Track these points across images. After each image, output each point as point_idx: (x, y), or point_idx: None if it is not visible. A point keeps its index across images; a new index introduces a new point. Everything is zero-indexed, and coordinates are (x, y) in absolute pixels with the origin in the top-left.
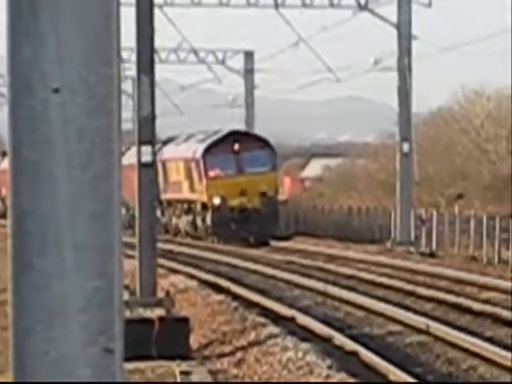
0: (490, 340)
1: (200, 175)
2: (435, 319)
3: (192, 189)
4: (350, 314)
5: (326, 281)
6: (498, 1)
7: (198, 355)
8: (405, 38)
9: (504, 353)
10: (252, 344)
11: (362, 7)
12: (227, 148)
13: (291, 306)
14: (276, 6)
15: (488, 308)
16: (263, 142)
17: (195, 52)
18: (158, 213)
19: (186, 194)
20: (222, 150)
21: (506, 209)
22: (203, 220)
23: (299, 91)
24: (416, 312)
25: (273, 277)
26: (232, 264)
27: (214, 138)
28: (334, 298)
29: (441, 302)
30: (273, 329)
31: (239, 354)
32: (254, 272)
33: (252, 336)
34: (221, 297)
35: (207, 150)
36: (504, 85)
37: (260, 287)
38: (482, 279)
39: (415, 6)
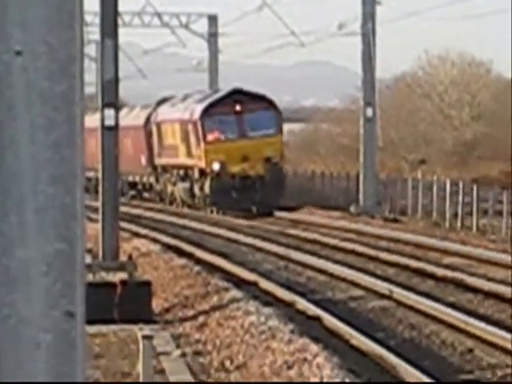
0: (453, 305)
1: (198, 138)
2: (398, 284)
3: (189, 153)
4: (312, 279)
5: (289, 246)
6: None
7: (160, 319)
8: (369, 3)
9: (466, 318)
10: (214, 308)
11: None
12: (228, 108)
13: (253, 270)
14: None
15: (450, 273)
16: (268, 102)
17: (159, 15)
18: (152, 179)
19: (182, 159)
20: (222, 111)
21: (468, 174)
22: (201, 188)
23: (265, 55)
24: (379, 277)
25: (235, 241)
26: (196, 228)
27: (214, 97)
28: (296, 262)
29: (404, 267)
30: (235, 293)
31: (201, 318)
32: (217, 236)
33: (214, 300)
34: (183, 261)
35: (206, 111)
36: (467, 50)
37: (223, 251)
38: (445, 244)
39: None
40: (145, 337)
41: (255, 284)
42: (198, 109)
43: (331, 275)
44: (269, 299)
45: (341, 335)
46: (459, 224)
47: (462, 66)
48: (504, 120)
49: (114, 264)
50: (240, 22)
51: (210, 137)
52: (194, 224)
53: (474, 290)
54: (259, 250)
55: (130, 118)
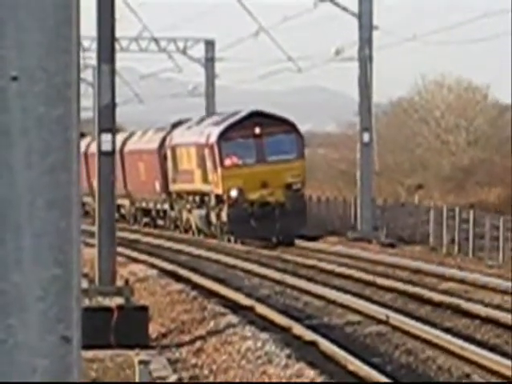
0: (449, 331)
1: (214, 163)
2: (395, 309)
3: (205, 179)
4: (309, 304)
5: (285, 271)
6: None
7: (157, 344)
8: (366, 28)
9: (462, 343)
10: (211, 333)
11: None
12: (246, 132)
13: (250, 295)
14: None
15: (447, 299)
16: (289, 125)
17: (156, 41)
18: (166, 206)
19: (198, 184)
20: (240, 134)
21: (465, 199)
22: (218, 216)
23: (261, 81)
24: (376, 302)
25: (233, 266)
26: (193, 253)
27: (231, 120)
28: (293, 287)
29: (400, 293)
30: (232, 318)
31: (198, 343)
32: (214, 261)
33: (211, 325)
34: (180, 286)
35: (223, 134)
36: (464, 75)
37: (220, 277)
38: (442, 270)
39: None
40: (141, 362)
41: (252, 309)
42: (215, 132)
43: (328, 300)
44: (265, 324)
45: (337, 360)
46: (456, 249)
47: (459, 91)
48: (501, 145)
49: (110, 289)
50: (237, 48)
51: (227, 161)
52: (191, 249)
53: (471, 316)
54: (256, 275)
55: (144, 141)
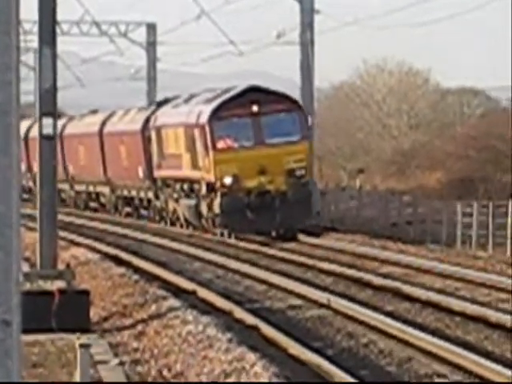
0: (390, 314)
1: (206, 146)
2: (336, 293)
3: (195, 164)
4: (250, 288)
5: (228, 255)
6: None
7: (98, 328)
8: (307, 12)
9: (403, 327)
10: (152, 317)
11: None
12: (242, 110)
13: (192, 279)
14: None
15: (388, 282)
16: (291, 102)
17: (97, 24)
18: (151, 194)
19: (186, 171)
20: (235, 113)
21: (406, 184)
22: (209, 206)
23: (203, 64)
24: (317, 286)
25: (176, 251)
26: (136, 238)
27: (225, 96)
28: (235, 271)
29: (342, 277)
30: (174, 302)
31: (140, 327)
32: (158, 246)
33: (153, 309)
34: (122, 270)
35: (215, 113)
36: (405, 59)
37: (162, 260)
38: (383, 254)
39: None
40: (82, 346)
41: (193, 293)
42: (206, 111)
43: (270, 284)
44: (207, 308)
45: (278, 344)
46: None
47: (400, 75)
48: (441, 129)
49: (51, 272)
50: (179, 31)
51: (220, 144)
52: (135, 234)
53: (412, 299)
54: (198, 259)
55: (125, 122)
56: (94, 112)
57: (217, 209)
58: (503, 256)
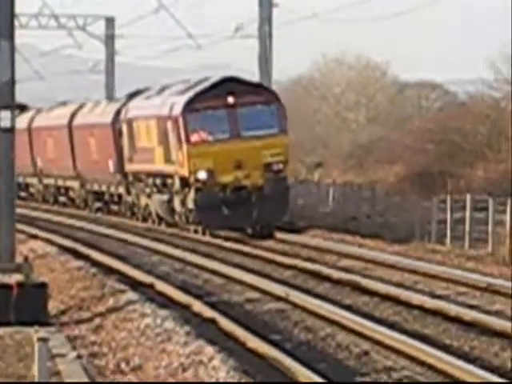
0: (349, 308)
1: (179, 139)
2: (294, 287)
3: (168, 158)
4: (208, 282)
5: (185, 248)
6: None
7: (56, 321)
8: (265, 6)
9: (362, 321)
10: (110, 310)
11: None
12: (218, 102)
13: (150, 272)
14: None
15: (346, 276)
16: (268, 94)
17: (56, 18)
18: (122, 189)
19: (159, 165)
20: (210, 105)
21: (364, 177)
22: (183, 202)
23: (162, 58)
24: (275, 280)
25: (133, 243)
26: (93, 230)
27: (199, 87)
28: (193, 265)
29: (300, 270)
30: (131, 295)
31: (97, 320)
32: (115, 239)
33: (110, 302)
34: (80, 263)
35: (189, 105)
36: (364, 53)
37: (120, 254)
38: (341, 247)
39: None
40: (40, 339)
41: (151, 286)
42: (180, 102)
43: (227, 278)
44: (165, 302)
45: (237, 337)
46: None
47: (359, 68)
48: (399, 122)
49: (9, 266)
50: (137, 24)
51: (194, 137)
52: (91, 226)
53: (370, 293)
54: (156, 252)
55: (95, 114)
56: (63, 104)
57: (191, 204)
58: (461, 250)
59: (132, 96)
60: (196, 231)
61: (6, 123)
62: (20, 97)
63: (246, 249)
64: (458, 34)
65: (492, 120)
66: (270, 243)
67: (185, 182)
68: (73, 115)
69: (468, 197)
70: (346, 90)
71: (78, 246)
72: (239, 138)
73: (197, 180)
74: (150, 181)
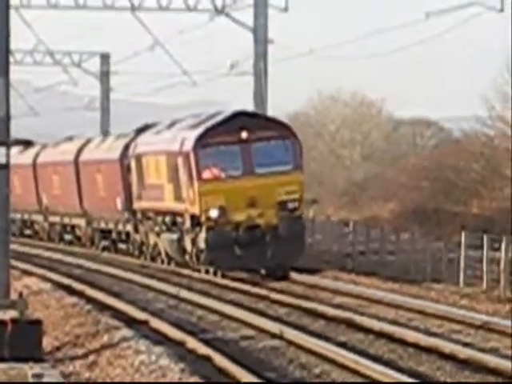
0: (343, 345)
1: (190, 176)
2: (289, 324)
3: (178, 196)
4: (203, 318)
5: (180, 285)
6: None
7: (50, 357)
8: (261, 42)
9: (357, 358)
10: (105, 347)
11: (219, 11)
12: (230, 137)
13: (144, 309)
14: (132, 8)
15: (341, 313)
16: (283, 129)
17: (51, 54)
18: (130, 227)
19: (169, 202)
20: (222, 140)
21: (359, 214)
22: (193, 241)
23: (157, 94)
24: (270, 317)
25: (128, 280)
26: (88, 267)
27: (212, 122)
28: (187, 302)
29: (295, 307)
30: (126, 332)
31: (92, 357)
32: (110, 275)
33: (105, 339)
34: (74, 299)
35: (201, 140)
36: (359, 90)
37: (115, 290)
38: (336, 284)
39: (272, 10)
40: (34, 375)
41: (146, 323)
42: (191, 137)
43: (222, 315)
44: (159, 338)
45: (231, 375)
46: (350, 264)
47: (354, 105)
48: (394, 160)
49: (4, 302)
50: (132, 61)
51: (206, 174)
52: (87, 263)
53: (365, 330)
54: (151, 289)
55: (102, 149)
56: (70, 139)
57: (202, 244)
58: (456, 287)
59: (141, 131)
60: (207, 272)
61: (2, 159)
62: (15, 133)
63: (241, 286)
64: (453, 71)
65: (486, 157)
66: (263, 280)
67: (196, 221)
68: (79, 151)
69: (463, 235)
70: (341, 127)
71: (73, 283)
72: (252, 174)
73: (208, 218)
74: (160, 219)
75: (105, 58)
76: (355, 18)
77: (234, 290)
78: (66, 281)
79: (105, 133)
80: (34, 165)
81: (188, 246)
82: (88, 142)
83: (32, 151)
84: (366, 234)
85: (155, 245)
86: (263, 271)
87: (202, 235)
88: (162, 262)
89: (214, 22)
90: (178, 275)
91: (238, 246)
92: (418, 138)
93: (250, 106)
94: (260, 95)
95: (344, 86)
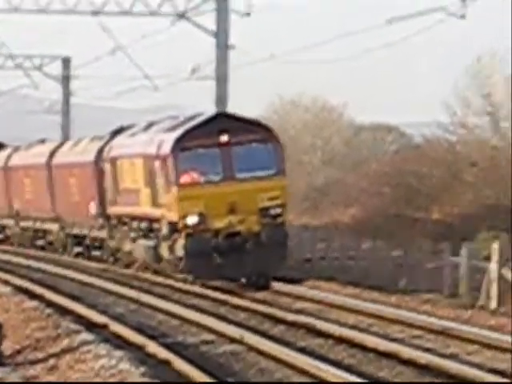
0: (303, 350)
1: (168, 180)
2: (249, 329)
3: (155, 201)
4: (164, 323)
5: (141, 289)
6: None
7: (10, 361)
8: (222, 47)
9: (316, 363)
10: (65, 351)
11: (181, 15)
12: (210, 140)
13: (105, 313)
14: (94, 12)
15: (301, 318)
16: (265, 131)
17: (12, 57)
18: (104, 233)
19: (145, 208)
20: (201, 143)
21: (320, 220)
22: (171, 248)
23: (118, 98)
24: (230, 321)
25: (88, 284)
26: (48, 271)
27: (191, 124)
28: (148, 306)
29: (255, 312)
30: (86, 336)
31: (52, 361)
32: (70, 279)
33: (65, 343)
34: (35, 303)
35: (179, 143)
36: (320, 95)
37: (75, 294)
38: (296, 289)
39: (234, 15)
40: None
41: (106, 327)
42: (169, 139)
43: (183, 319)
44: (120, 342)
45: (192, 379)
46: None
47: (315, 110)
48: (355, 165)
49: None
50: (94, 65)
51: (184, 178)
52: (47, 267)
53: (325, 335)
54: (111, 293)
55: (76, 152)
56: (42, 142)
57: (180, 251)
58: (417, 293)
59: (116, 133)
60: (185, 281)
61: None
62: None
63: (203, 291)
64: (415, 77)
65: (448, 163)
66: (224, 285)
67: (173, 227)
68: (52, 153)
69: (426, 242)
70: (302, 133)
71: (33, 286)
72: (233, 179)
73: (186, 225)
74: (135, 225)
75: (66, 61)
76: (319, 23)
77: (194, 294)
78: (26, 284)
79: (65, 137)
80: (5, 168)
81: (165, 253)
82: (61, 144)
83: (3, 154)
84: (326, 239)
85: (130, 252)
86: (243, 280)
87: (180, 242)
88: (137, 269)
89: (175, 26)
90: (138, 279)
91: (217, 254)
92: (379, 143)
93: (211, 111)
94: (221, 100)
95: (306, 91)
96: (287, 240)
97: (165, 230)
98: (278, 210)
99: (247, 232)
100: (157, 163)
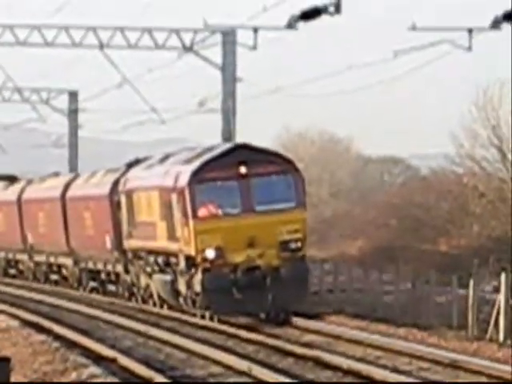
0: (311, 383)
1: (185, 213)
2: (257, 361)
3: (172, 235)
4: (171, 356)
5: (148, 322)
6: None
7: None
8: (229, 80)
9: None
10: None
11: (187, 49)
12: (228, 172)
13: (113, 346)
14: (101, 46)
15: (309, 351)
16: (285, 163)
17: (19, 91)
18: (120, 268)
19: (162, 241)
20: (219, 176)
21: (327, 252)
22: (188, 284)
23: (125, 132)
24: (238, 354)
25: (95, 317)
26: (55, 304)
27: (208, 156)
28: (155, 339)
29: (263, 345)
30: (94, 369)
31: None
32: (77, 312)
33: (73, 376)
34: (42, 337)
35: (197, 175)
36: (327, 128)
37: (82, 327)
38: (304, 322)
39: (240, 48)
40: None
41: (114, 360)
42: (186, 172)
43: (190, 352)
44: (127, 376)
45: None
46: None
47: (322, 143)
48: (362, 197)
49: None
50: (101, 98)
51: (202, 211)
52: (53, 300)
53: (333, 368)
54: (119, 326)
55: (91, 185)
56: (56, 175)
57: (197, 287)
58: (425, 325)
59: (131, 165)
60: (203, 317)
61: None
62: None
63: (210, 323)
64: (422, 109)
65: (454, 195)
66: (241, 320)
67: (191, 262)
68: (66, 186)
69: (432, 274)
70: (309, 165)
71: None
72: (252, 212)
73: (204, 259)
74: (152, 259)
75: (73, 95)
76: (324, 56)
77: (202, 327)
78: (34, 318)
79: (73, 170)
80: (19, 201)
81: (182, 288)
82: (75, 177)
83: (17, 187)
84: (333, 271)
85: (147, 287)
86: (263, 315)
87: (198, 277)
88: (154, 304)
89: (182, 59)
90: (144, 312)
91: (236, 289)
92: (386, 176)
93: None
94: (228, 133)
95: (312, 124)
96: (308, 275)
97: (182, 264)
98: (299, 244)
99: (266, 266)
100: (173, 196)
